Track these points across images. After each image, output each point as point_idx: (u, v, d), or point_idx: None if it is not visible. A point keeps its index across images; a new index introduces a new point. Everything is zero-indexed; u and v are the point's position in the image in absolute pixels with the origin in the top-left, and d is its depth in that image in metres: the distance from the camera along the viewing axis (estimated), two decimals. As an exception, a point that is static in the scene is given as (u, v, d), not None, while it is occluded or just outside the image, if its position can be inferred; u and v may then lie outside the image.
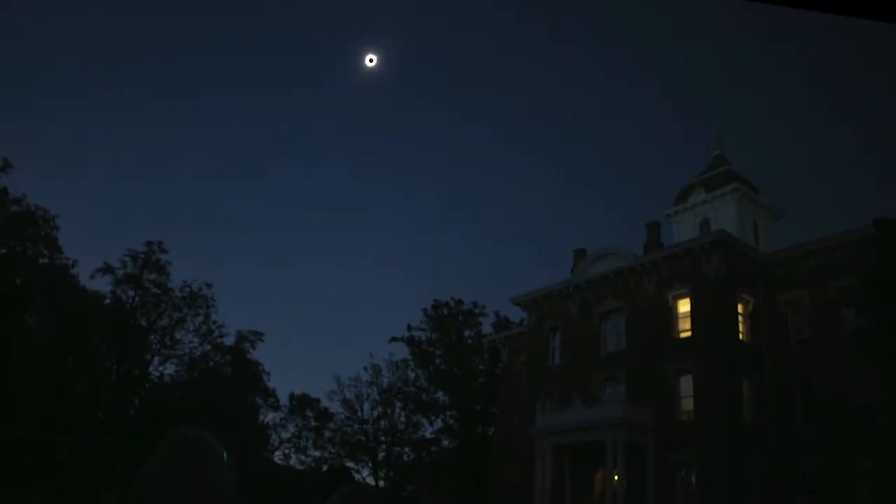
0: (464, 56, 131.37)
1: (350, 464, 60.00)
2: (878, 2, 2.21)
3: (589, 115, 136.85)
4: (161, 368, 46.16)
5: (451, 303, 61.19)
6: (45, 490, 34.22)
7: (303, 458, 57.60)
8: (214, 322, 46.39)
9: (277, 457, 56.15)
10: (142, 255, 43.57)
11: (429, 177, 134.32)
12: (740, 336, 36.35)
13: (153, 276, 44.06)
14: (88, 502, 35.88)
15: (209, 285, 45.99)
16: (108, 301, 43.64)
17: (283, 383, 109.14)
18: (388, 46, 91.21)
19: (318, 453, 58.43)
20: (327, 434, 59.04)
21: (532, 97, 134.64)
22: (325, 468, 58.27)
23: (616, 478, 33.95)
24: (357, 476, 59.91)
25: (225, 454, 1.93)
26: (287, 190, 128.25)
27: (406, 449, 61.04)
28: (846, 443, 30.12)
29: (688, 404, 35.53)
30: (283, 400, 55.69)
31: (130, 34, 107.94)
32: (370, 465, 59.77)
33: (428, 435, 60.38)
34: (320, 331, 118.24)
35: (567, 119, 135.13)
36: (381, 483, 58.26)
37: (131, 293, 43.96)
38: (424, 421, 60.47)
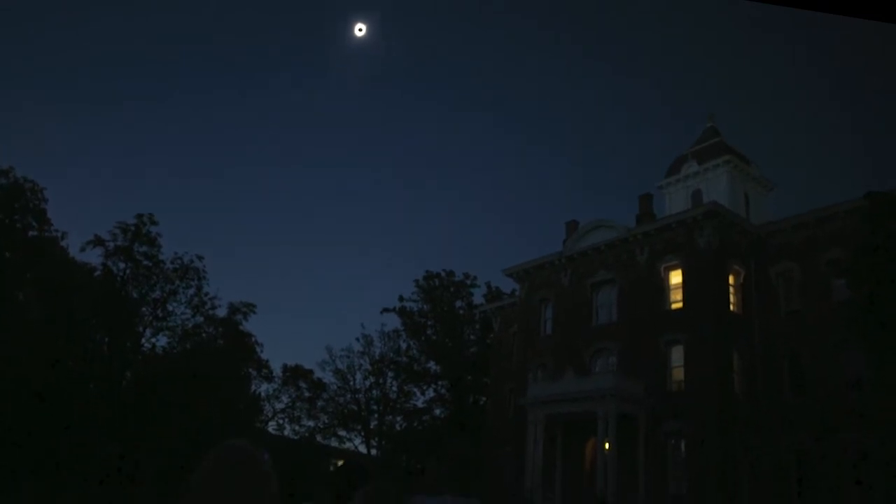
0: (454, 27, 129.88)
1: (342, 432, 60.55)
2: (879, 2, 2.24)
3: (582, 87, 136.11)
4: (153, 340, 46.15)
5: (443, 274, 61.36)
6: (37, 466, 34.20)
7: (297, 427, 58.09)
8: (206, 294, 46.31)
9: (272, 427, 56.57)
10: (132, 228, 43.27)
11: (420, 150, 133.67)
12: (731, 307, 36.60)
13: (144, 248, 43.79)
14: (79, 476, 35.92)
15: (200, 258, 45.82)
16: (98, 274, 43.41)
17: (275, 355, 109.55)
18: (380, 13, 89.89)
19: (311, 423, 58.91)
20: (320, 404, 59.41)
21: (525, 70, 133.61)
22: (318, 437, 58.80)
23: (607, 447, 34.37)
24: (349, 444, 60.52)
25: (269, 464, 1.91)
26: (276, 163, 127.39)
27: (398, 418, 61.59)
28: (834, 415, 30.57)
29: (678, 375, 35.89)
30: (277, 371, 55.95)
31: (121, 14, 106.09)
32: (362, 433, 60.32)
33: (420, 404, 60.98)
34: (312, 303, 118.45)
35: (560, 91, 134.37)
36: (374, 451, 58.86)
37: (122, 266, 43.73)
38: (416, 391, 61.01)
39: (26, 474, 32.97)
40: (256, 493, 1.85)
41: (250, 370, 51.26)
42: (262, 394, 55.35)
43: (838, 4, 2.36)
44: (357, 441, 60.49)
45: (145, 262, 44.07)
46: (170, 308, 45.61)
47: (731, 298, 36.80)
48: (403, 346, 60.56)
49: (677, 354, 36.15)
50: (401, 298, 60.60)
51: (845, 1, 2.36)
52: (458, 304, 61.02)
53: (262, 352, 50.73)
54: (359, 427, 60.46)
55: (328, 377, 59.69)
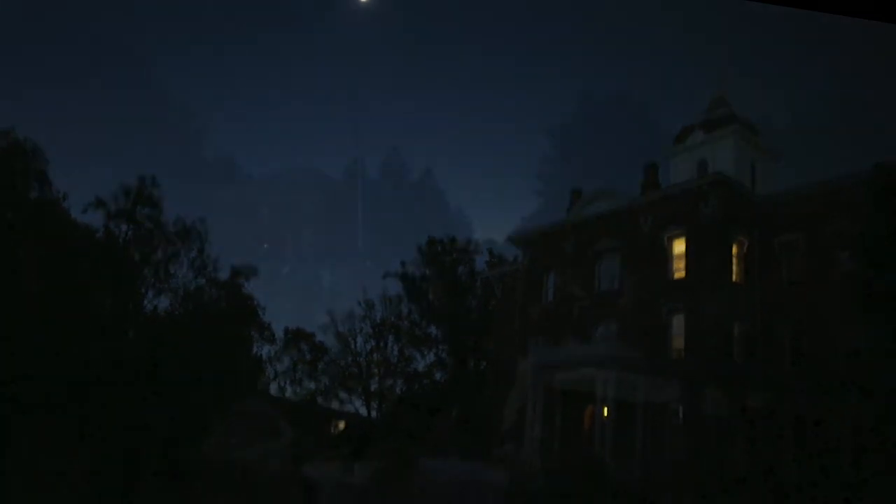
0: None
1: (343, 394, 61.11)
2: (878, 1, 2.20)
3: (589, 54, 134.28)
4: (155, 302, 46.32)
5: (446, 240, 61.32)
6: (38, 427, 34.36)
7: (298, 389, 58.74)
8: (208, 256, 46.42)
9: (273, 389, 57.15)
10: (134, 190, 43.15)
11: (424, 114, 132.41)
12: (734, 277, 36.58)
13: (146, 210, 43.72)
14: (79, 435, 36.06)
15: (203, 220, 45.86)
16: (100, 235, 43.34)
17: (277, 318, 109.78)
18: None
19: (312, 385, 59.52)
20: (321, 367, 59.94)
21: (532, 34, 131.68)
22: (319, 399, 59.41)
23: (606, 413, 34.66)
24: (349, 407, 61.06)
25: (285, 428, 1.85)
26: (276, 117, 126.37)
27: (399, 381, 62.08)
28: (833, 386, 30.65)
29: (679, 343, 36.04)
30: (279, 334, 56.31)
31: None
32: (363, 396, 60.88)
33: (420, 368, 61.43)
34: (314, 268, 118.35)
35: (567, 57, 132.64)
36: (374, 414, 59.48)
37: (124, 228, 43.67)
38: (417, 355, 61.39)
39: (33, 444, 33.16)
40: (273, 448, 1.80)
41: (252, 332, 51.55)
42: (264, 356, 55.82)
43: (838, 4, 2.32)
44: (358, 403, 61.17)
45: (147, 225, 44.02)
46: (171, 270, 45.71)
47: (734, 268, 36.75)
48: (405, 310, 60.87)
49: (678, 322, 36.26)
50: (403, 264, 60.78)
51: (845, 1, 2.31)
52: (461, 269, 61.13)
53: (263, 314, 51.05)
54: (359, 390, 61.00)
55: (329, 340, 60.18)
